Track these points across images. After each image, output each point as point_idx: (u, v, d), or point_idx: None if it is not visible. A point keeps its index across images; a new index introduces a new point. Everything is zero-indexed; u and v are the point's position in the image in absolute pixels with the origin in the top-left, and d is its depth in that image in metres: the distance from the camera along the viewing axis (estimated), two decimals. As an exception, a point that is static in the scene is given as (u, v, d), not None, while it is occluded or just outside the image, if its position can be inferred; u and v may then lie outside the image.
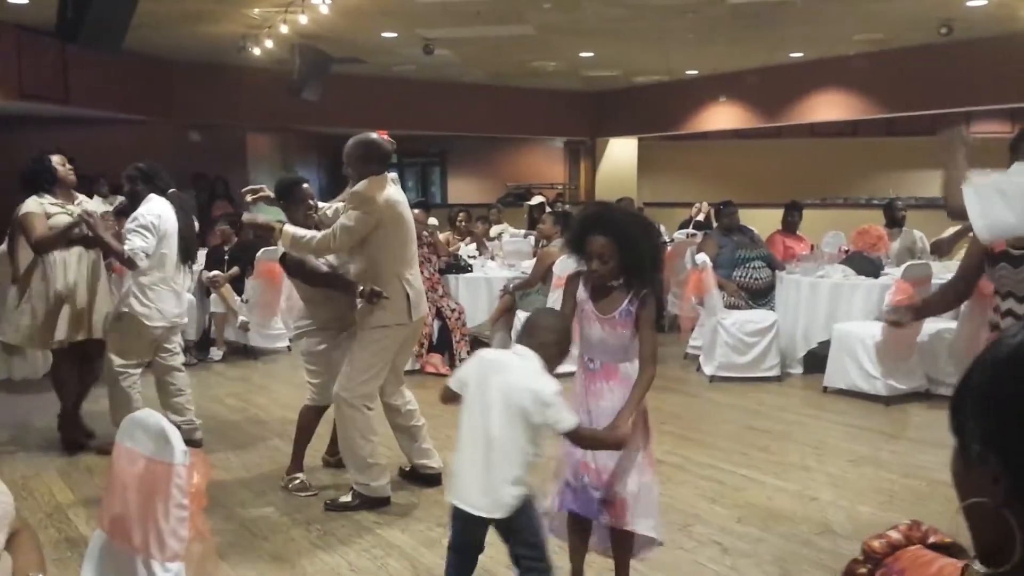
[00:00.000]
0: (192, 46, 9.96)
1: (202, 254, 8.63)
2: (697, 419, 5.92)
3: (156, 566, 1.80)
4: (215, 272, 7.83)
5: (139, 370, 5.05)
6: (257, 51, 9.50)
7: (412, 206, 8.40)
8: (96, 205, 9.02)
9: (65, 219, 5.06)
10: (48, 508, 4.30)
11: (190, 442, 4.75)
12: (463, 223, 9.44)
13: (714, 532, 3.94)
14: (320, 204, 4.60)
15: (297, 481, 4.53)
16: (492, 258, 8.63)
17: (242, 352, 8.10)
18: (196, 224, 5.55)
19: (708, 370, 6.96)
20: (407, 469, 4.64)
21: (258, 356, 8.07)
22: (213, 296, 7.86)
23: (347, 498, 4.27)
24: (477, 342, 7.60)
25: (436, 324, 7.26)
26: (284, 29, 8.60)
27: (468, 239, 9.21)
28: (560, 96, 14.15)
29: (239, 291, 7.95)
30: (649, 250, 2.97)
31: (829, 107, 11.45)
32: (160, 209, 4.96)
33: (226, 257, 8.01)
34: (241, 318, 7.84)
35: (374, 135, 4.28)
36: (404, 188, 4.58)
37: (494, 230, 10.21)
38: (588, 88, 14.02)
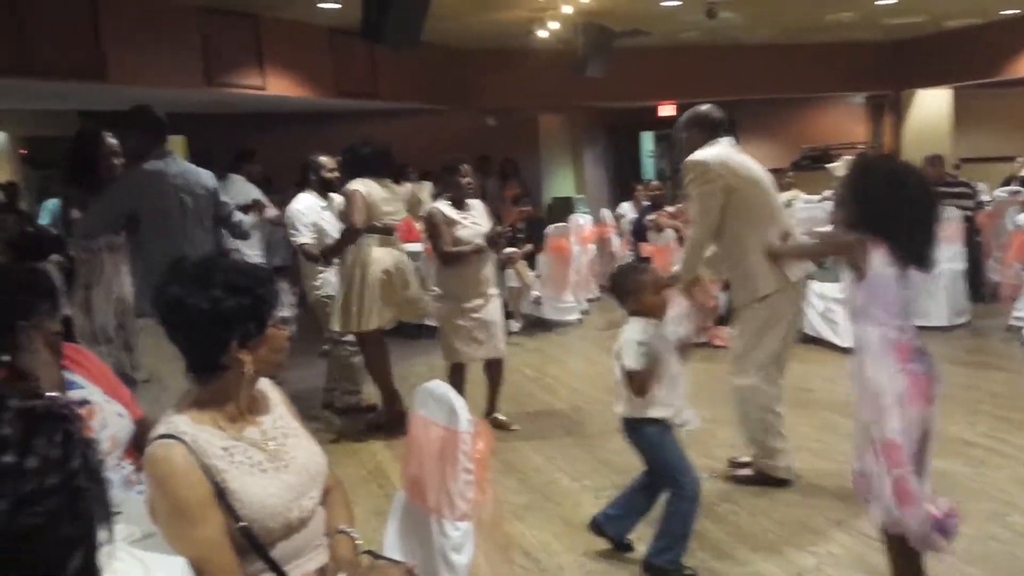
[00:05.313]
0: (484, 32, 10.46)
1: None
2: (1020, 398, 5.33)
3: (447, 525, 1.97)
4: (511, 249, 8.25)
5: None
6: (544, 33, 9.79)
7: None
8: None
9: None
10: (370, 467, 4.80)
11: None
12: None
13: (1035, 523, 3.56)
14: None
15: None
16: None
17: (539, 324, 8.41)
18: None
19: (1035, 343, 6.24)
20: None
21: (552, 328, 8.36)
22: (509, 271, 8.29)
23: (747, 471, 4.21)
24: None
25: (725, 296, 7.11)
26: (567, 9, 8.79)
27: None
28: (857, 48, 13.17)
29: (532, 267, 8.35)
30: (855, 205, 2.82)
31: None
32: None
33: (519, 235, 8.41)
34: (534, 292, 8.23)
35: (704, 106, 4.29)
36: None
37: (784, 196, 9.74)
38: (889, 37, 12.92)
